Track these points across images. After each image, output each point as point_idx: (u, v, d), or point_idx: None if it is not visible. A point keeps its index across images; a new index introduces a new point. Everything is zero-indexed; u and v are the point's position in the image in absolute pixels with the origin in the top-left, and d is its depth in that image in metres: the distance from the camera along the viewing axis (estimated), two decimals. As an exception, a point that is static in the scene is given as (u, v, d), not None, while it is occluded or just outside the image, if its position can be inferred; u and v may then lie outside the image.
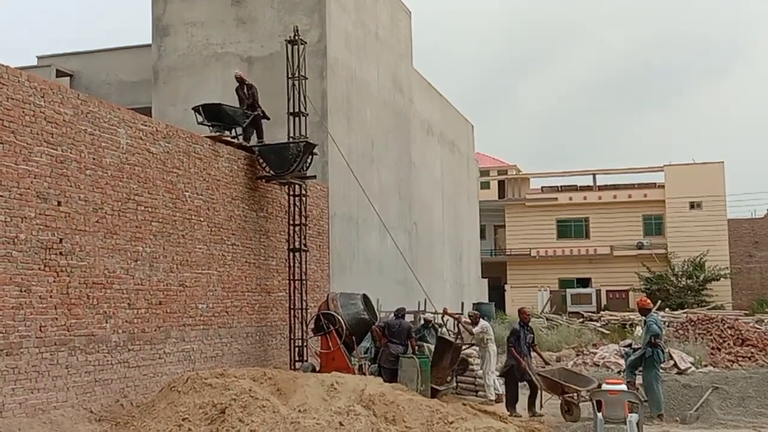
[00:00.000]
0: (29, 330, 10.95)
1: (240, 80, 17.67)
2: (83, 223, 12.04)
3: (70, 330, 11.67)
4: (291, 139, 17.07)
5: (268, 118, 17.77)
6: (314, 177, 17.94)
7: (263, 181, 16.93)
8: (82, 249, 11.99)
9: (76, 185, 11.93)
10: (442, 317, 19.99)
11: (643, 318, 15.80)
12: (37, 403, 10.96)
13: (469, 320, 18.60)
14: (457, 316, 19.00)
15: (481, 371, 17.52)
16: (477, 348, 17.77)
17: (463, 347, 17.22)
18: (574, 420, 14.45)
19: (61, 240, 11.58)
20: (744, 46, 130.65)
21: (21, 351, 10.79)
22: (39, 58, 25.79)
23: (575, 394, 14.86)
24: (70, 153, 11.87)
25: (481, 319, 18.14)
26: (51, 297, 11.36)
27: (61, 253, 11.57)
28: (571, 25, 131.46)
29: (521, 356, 15.48)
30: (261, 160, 16.78)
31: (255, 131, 17.48)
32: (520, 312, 16.62)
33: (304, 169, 16.93)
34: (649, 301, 16.53)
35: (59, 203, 11.60)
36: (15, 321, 10.74)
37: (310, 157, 17.00)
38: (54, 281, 11.43)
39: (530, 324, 16.77)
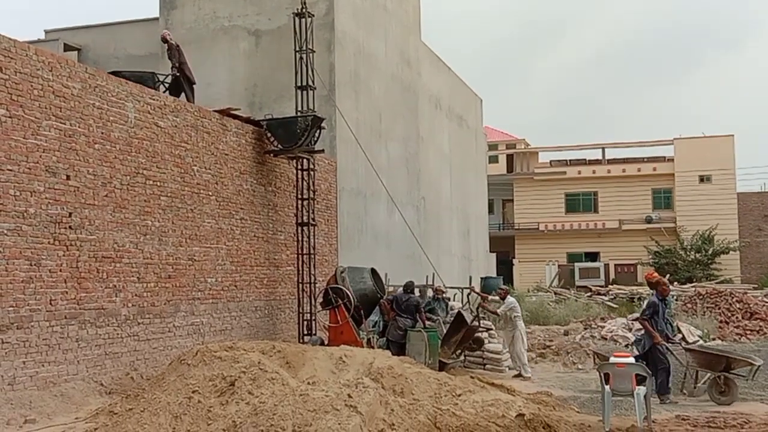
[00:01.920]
0: (39, 303, 11.03)
1: (163, 41, 17.26)
2: (92, 197, 12.07)
3: (80, 303, 11.75)
4: (299, 113, 17.03)
5: (194, 82, 16.93)
6: (322, 151, 17.90)
7: (271, 155, 16.92)
8: (92, 223, 12.04)
9: (84, 159, 11.96)
10: (468, 295, 19.80)
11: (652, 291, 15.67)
12: (47, 376, 11.06)
13: (497, 297, 18.55)
14: (483, 296, 18.88)
15: (507, 350, 17.27)
16: (502, 325, 17.65)
17: (479, 330, 17.20)
18: (729, 402, 12.86)
19: (70, 214, 11.63)
20: (755, 18, 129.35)
21: (31, 324, 10.88)
22: (47, 32, 25.72)
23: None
24: (79, 127, 11.88)
25: (508, 296, 17.71)
26: (61, 271, 11.43)
27: (70, 227, 11.62)
28: (578, 1, 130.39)
29: (660, 334, 13.44)
30: (269, 134, 16.75)
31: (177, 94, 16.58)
32: (659, 283, 14.24)
33: (312, 143, 16.90)
34: (656, 274, 16.27)
35: (68, 177, 11.63)
36: (25, 294, 10.82)
37: (318, 131, 16.96)
38: (64, 255, 11.49)
39: (668, 297, 14.46)
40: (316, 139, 17.00)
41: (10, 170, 10.67)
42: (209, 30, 21.56)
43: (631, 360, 11.41)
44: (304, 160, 17.16)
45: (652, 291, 15.59)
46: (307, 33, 17.28)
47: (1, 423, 9.90)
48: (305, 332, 16.85)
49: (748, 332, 21.12)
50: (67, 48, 23.99)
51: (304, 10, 17.31)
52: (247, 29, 21.22)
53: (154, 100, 13.71)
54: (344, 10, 21.24)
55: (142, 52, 23.58)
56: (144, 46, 23.50)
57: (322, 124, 17.18)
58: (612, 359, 11.49)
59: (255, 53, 21.01)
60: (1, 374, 10.36)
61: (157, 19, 22.31)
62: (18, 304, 10.70)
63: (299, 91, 17.22)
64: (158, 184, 13.63)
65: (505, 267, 45.93)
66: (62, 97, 11.61)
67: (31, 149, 11.02)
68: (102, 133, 12.36)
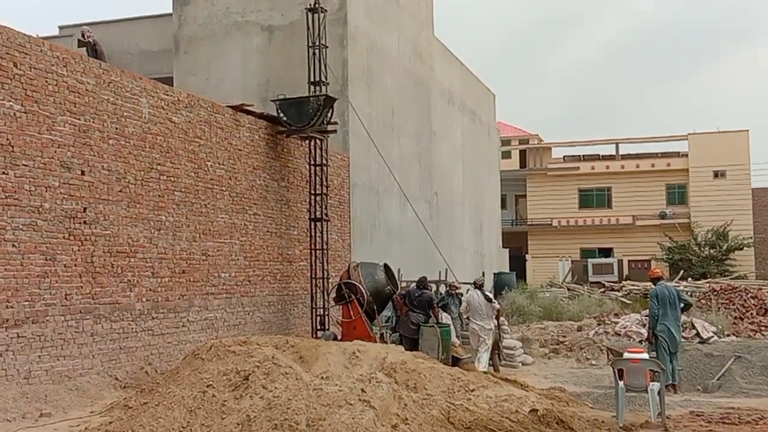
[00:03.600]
0: (55, 298, 11.09)
1: (82, 37, 16.95)
2: (107, 193, 12.12)
3: (95, 298, 11.81)
4: (311, 94, 16.99)
5: None
6: (335, 132, 17.73)
7: (284, 135, 16.93)
8: (106, 218, 12.09)
9: (99, 154, 12.00)
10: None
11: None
12: (63, 370, 11.13)
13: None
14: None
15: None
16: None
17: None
18: None
19: (85, 209, 11.68)
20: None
21: (47, 319, 10.95)
22: (61, 27, 25.82)
23: None
24: (93, 122, 11.93)
25: (471, 290, 16.66)
26: (76, 265, 11.49)
27: (85, 222, 11.68)
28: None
29: None
30: (281, 115, 16.75)
31: None
32: None
33: (325, 123, 16.88)
34: (658, 270, 15.87)
35: (83, 172, 11.68)
36: (41, 289, 10.88)
37: (330, 111, 16.93)
38: (78, 250, 11.54)
39: None
40: (328, 119, 16.97)
41: (26, 165, 10.73)
42: (222, 25, 21.60)
43: (645, 356, 11.39)
44: (317, 144, 17.00)
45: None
46: (319, 28, 17.27)
47: (16, 416, 9.97)
48: (318, 327, 16.87)
49: (763, 328, 20.97)
50: (81, 44, 24.04)
51: (316, 6, 17.30)
52: (260, 25, 21.24)
53: (168, 95, 13.75)
54: (357, 5, 21.23)
55: (156, 48, 23.68)
56: (157, 42, 23.60)
57: (334, 105, 17.09)
58: (626, 355, 11.47)
59: (268, 49, 21.04)
60: (17, 368, 10.42)
61: (170, 14, 22.37)
62: (33, 299, 10.76)
63: (312, 87, 17.22)
64: (172, 179, 13.67)
65: (518, 262, 45.78)
66: (77, 92, 11.65)
67: (46, 144, 11.08)
68: (116, 128, 12.41)
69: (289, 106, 16.76)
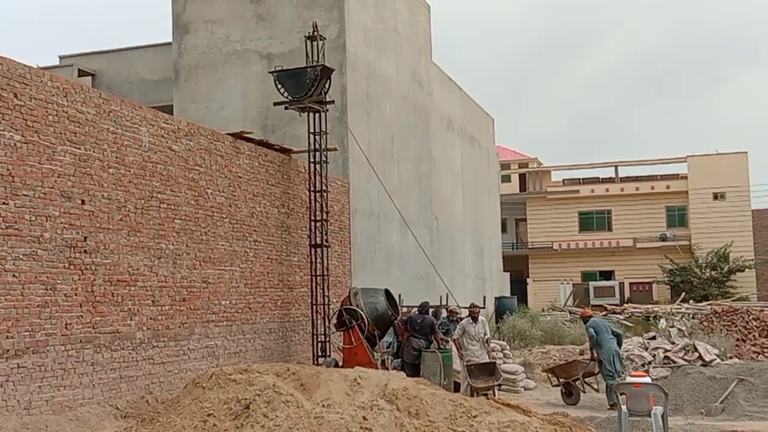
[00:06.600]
0: (55, 328, 11.07)
1: None
2: (107, 222, 12.14)
3: (96, 327, 11.79)
4: (308, 63, 16.97)
5: None
6: (333, 102, 17.51)
7: (284, 107, 17.00)
8: (106, 247, 12.10)
9: (99, 184, 12.04)
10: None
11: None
12: (63, 400, 11.08)
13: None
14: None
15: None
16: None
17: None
18: None
19: (85, 238, 11.69)
20: None
21: (47, 349, 10.92)
22: (61, 57, 25.99)
23: None
24: (93, 152, 11.97)
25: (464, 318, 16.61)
26: (76, 295, 11.48)
27: (85, 251, 11.68)
28: (596, 17, 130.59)
29: None
30: (279, 86, 16.78)
31: None
32: None
33: (323, 94, 16.89)
34: (587, 310, 17.98)
35: (83, 202, 11.71)
36: (41, 319, 10.86)
37: (328, 81, 16.95)
38: (79, 279, 11.54)
39: None
40: (326, 90, 16.97)
41: (26, 195, 10.76)
42: (222, 54, 21.75)
43: (648, 380, 11.35)
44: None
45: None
46: (318, 55, 17.37)
47: (17, 448, 9.92)
48: (319, 354, 16.82)
49: (766, 350, 20.93)
50: (82, 73, 24.22)
51: (315, 33, 17.40)
52: (260, 53, 21.38)
53: (168, 124, 13.81)
54: (355, 33, 21.38)
55: (156, 77, 23.82)
56: (157, 70, 23.74)
57: (331, 75, 17.08)
58: (628, 379, 11.43)
59: (267, 76, 21.12)
60: (17, 399, 10.39)
61: (170, 44, 22.52)
62: (33, 329, 10.74)
63: (311, 113, 17.28)
64: (172, 207, 13.70)
65: (519, 286, 45.76)
66: (77, 122, 11.71)
67: (47, 174, 11.11)
68: (116, 157, 12.45)
69: (286, 78, 16.80)
